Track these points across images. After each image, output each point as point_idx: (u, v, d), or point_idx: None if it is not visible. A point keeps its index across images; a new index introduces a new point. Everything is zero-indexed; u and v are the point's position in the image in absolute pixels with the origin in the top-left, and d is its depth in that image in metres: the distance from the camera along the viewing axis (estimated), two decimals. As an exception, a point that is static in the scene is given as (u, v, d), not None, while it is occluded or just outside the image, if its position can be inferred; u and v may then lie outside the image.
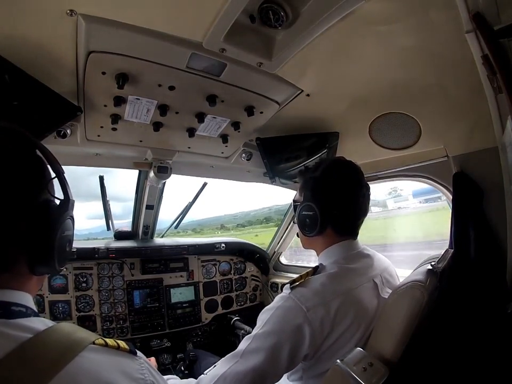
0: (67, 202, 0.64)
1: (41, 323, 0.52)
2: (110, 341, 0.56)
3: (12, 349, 0.45)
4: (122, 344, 0.58)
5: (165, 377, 1.12)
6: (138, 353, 0.61)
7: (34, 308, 0.58)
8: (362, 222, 1.21)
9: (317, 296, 0.97)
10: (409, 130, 1.46)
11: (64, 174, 0.65)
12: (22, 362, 0.44)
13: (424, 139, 1.46)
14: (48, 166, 0.64)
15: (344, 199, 1.12)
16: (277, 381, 0.97)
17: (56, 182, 0.65)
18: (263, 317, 1.00)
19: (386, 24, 0.97)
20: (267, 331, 0.95)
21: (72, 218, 0.66)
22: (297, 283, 1.01)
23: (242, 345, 0.98)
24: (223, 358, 1.00)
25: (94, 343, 0.53)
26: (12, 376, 0.43)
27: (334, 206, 1.11)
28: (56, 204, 0.63)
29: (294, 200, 1.29)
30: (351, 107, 1.46)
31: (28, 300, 0.57)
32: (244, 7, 0.85)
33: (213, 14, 0.88)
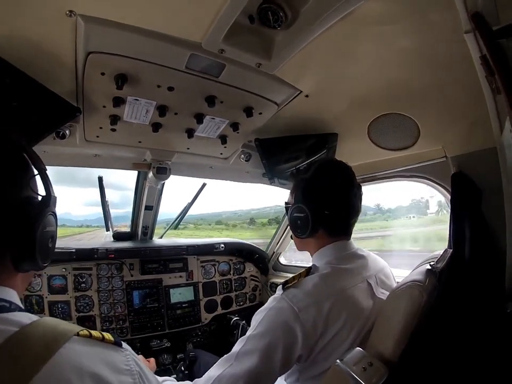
0: (48, 198, 0.64)
1: (26, 317, 0.53)
2: (94, 332, 0.56)
3: None
4: (107, 335, 0.58)
5: (162, 378, 1.12)
6: (124, 344, 0.61)
7: (20, 304, 0.58)
8: (355, 222, 1.21)
9: (309, 296, 0.98)
10: (407, 131, 1.46)
11: (47, 172, 0.66)
12: (9, 357, 0.45)
13: (422, 140, 1.47)
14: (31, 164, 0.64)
15: (335, 199, 1.12)
16: (272, 382, 0.97)
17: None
18: (256, 318, 1.01)
19: (385, 24, 0.97)
20: (260, 332, 0.96)
21: (54, 214, 0.67)
22: (290, 284, 1.02)
23: (237, 347, 0.98)
24: (218, 360, 1.00)
25: (78, 334, 0.53)
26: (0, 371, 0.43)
27: (325, 206, 1.11)
28: (38, 200, 0.64)
29: (285, 203, 1.30)
30: (350, 108, 1.46)
31: (12, 295, 0.58)
32: (243, 7, 0.85)
33: (212, 14, 0.88)
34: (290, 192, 1.26)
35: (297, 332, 0.93)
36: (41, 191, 0.66)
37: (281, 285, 1.03)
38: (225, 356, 0.99)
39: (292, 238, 1.32)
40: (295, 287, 1.01)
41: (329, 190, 1.12)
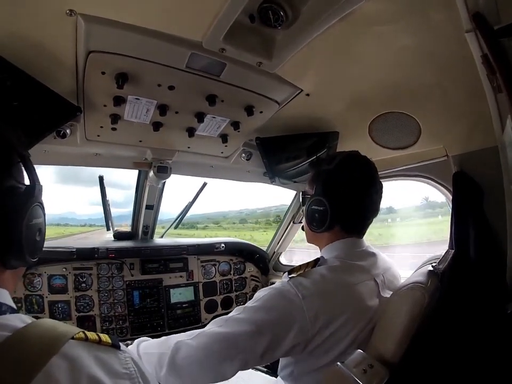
0: (33, 187, 0.60)
1: (18, 320, 0.50)
2: (90, 335, 0.53)
3: None
4: (104, 337, 0.55)
5: (137, 340, 1.15)
6: (123, 346, 0.58)
7: (12, 304, 0.55)
8: (371, 221, 1.19)
9: (316, 286, 0.96)
10: (408, 130, 1.46)
11: (30, 158, 0.62)
12: (2, 365, 0.42)
13: (423, 139, 1.46)
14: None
15: (357, 196, 1.10)
16: (248, 366, 0.95)
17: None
18: (257, 294, 1.01)
19: (386, 24, 0.97)
20: (257, 306, 0.96)
21: (41, 204, 0.63)
22: (296, 273, 1.01)
23: (231, 313, 1.00)
24: (210, 322, 1.03)
25: (73, 338, 0.51)
26: None
27: (346, 203, 1.09)
28: (22, 190, 0.59)
29: (302, 192, 1.26)
30: (351, 107, 1.46)
31: (3, 295, 0.55)
32: (244, 7, 0.85)
33: (213, 13, 0.88)
34: (309, 182, 1.22)
35: (295, 318, 0.92)
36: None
37: (286, 272, 1.02)
38: (218, 318, 1.02)
39: (302, 229, 1.30)
40: (302, 276, 1.00)
41: (352, 185, 1.10)
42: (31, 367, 0.43)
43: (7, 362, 0.43)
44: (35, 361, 0.44)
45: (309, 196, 1.16)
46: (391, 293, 1.09)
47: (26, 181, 0.62)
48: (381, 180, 1.19)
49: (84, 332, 0.53)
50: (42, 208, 0.64)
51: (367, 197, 1.12)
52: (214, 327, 0.97)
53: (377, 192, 1.15)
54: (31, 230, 0.59)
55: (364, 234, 1.20)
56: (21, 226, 0.56)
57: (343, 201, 1.09)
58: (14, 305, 0.56)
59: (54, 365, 0.45)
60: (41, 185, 0.62)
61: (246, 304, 1.00)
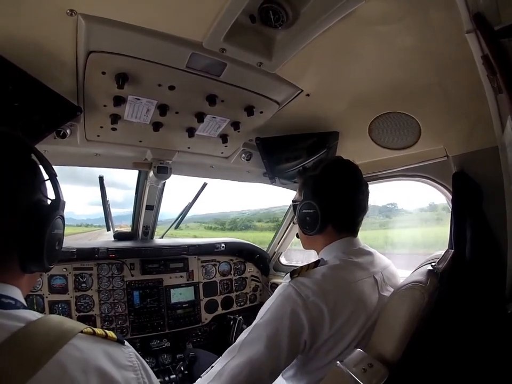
0: (58, 202, 0.66)
1: (31, 314, 0.54)
2: (98, 330, 0.58)
3: (4, 338, 0.46)
4: (110, 333, 0.60)
5: None
6: (126, 343, 0.62)
7: (24, 302, 0.60)
8: (362, 219, 1.23)
9: (317, 286, 0.98)
10: (409, 130, 1.46)
11: (57, 177, 0.69)
12: (14, 351, 0.46)
13: (424, 139, 1.46)
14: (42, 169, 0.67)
15: (344, 197, 1.14)
16: (276, 376, 0.95)
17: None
18: (263, 308, 1.01)
19: (386, 24, 0.97)
20: (266, 320, 0.96)
21: (62, 218, 0.68)
22: (298, 274, 1.02)
23: (241, 336, 0.98)
24: (222, 355, 0.99)
25: (82, 332, 0.55)
26: (5, 365, 0.44)
27: (335, 203, 1.13)
28: (47, 204, 0.66)
29: (293, 200, 1.31)
30: (351, 107, 1.46)
31: (17, 293, 0.59)
32: (244, 7, 0.85)
33: (213, 14, 0.88)
34: (298, 190, 1.27)
35: (303, 319, 0.93)
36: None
37: (288, 274, 1.03)
38: (228, 348, 0.98)
39: (297, 237, 1.33)
40: (303, 276, 1.02)
41: (339, 187, 1.14)
42: (42, 355, 0.47)
43: (20, 349, 0.47)
44: (46, 349, 0.48)
45: (299, 202, 1.20)
46: (391, 290, 1.10)
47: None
48: (380, 181, 1.20)
49: (91, 328, 0.57)
50: (63, 221, 0.70)
51: (353, 196, 1.16)
52: (228, 360, 0.93)
53: (363, 192, 1.19)
54: (53, 239, 0.65)
55: (357, 233, 1.23)
56: (45, 236, 0.61)
57: (331, 201, 1.12)
58: (25, 304, 0.60)
59: (65, 354, 0.49)
60: (64, 201, 0.69)
61: (254, 322, 0.99)
